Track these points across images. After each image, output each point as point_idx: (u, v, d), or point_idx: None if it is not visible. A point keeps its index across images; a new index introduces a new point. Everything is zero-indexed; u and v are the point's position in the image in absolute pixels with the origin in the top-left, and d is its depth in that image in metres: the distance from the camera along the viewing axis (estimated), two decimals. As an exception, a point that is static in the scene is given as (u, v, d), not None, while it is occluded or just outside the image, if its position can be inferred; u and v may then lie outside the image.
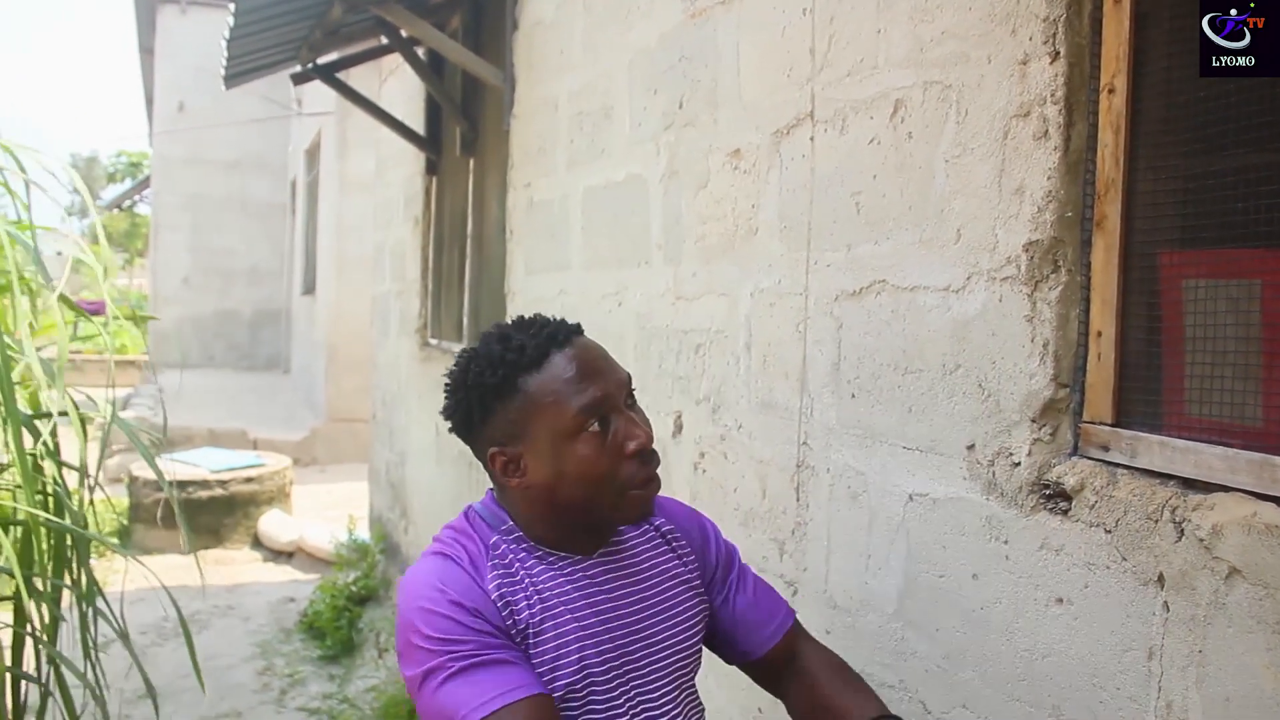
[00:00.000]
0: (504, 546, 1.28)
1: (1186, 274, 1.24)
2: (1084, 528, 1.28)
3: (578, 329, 1.30)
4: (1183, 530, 1.14)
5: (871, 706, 1.33)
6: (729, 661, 1.48)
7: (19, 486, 2.05)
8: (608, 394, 1.24)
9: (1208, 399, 1.20)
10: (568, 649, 1.24)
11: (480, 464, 1.33)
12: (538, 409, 1.23)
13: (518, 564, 1.27)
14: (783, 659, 1.44)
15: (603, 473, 1.23)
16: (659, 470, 1.29)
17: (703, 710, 1.42)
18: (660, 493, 1.33)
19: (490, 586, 1.23)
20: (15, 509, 2.18)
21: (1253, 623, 1.06)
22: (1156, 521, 1.17)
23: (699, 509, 2.06)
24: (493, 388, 1.25)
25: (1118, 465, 1.27)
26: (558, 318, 1.32)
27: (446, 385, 1.33)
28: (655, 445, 1.30)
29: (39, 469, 2.21)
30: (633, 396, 1.30)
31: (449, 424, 1.34)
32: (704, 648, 1.44)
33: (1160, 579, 1.17)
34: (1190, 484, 1.17)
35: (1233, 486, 1.11)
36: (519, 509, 1.31)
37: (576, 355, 1.25)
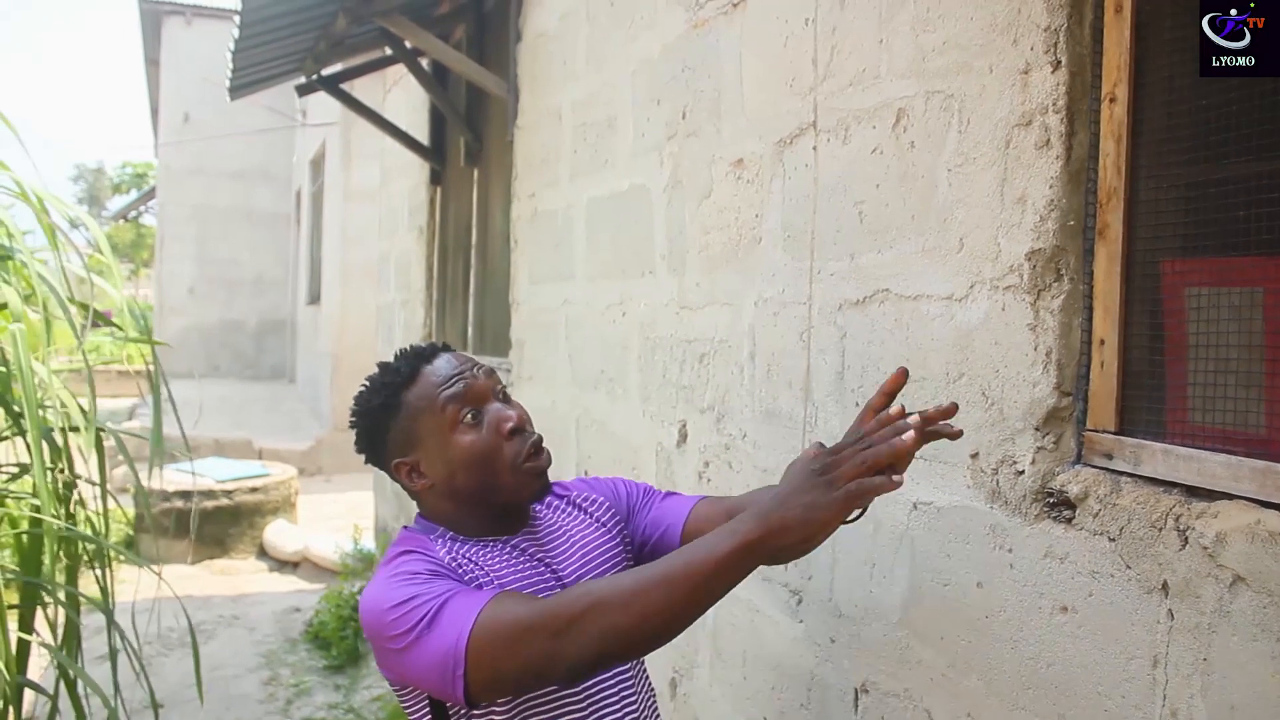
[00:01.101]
0: (444, 543, 1.43)
1: (1189, 282, 1.24)
2: (1088, 536, 1.28)
3: (445, 347, 1.50)
4: (1187, 538, 1.14)
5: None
6: None
7: (35, 495, 2.09)
8: (471, 386, 1.43)
9: (1211, 407, 1.20)
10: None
11: (394, 474, 1.49)
12: (419, 414, 1.42)
13: (459, 553, 1.41)
14: (700, 531, 1.53)
15: (487, 453, 1.41)
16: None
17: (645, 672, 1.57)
18: None
19: (443, 559, 1.37)
20: (38, 517, 2.22)
21: (1257, 630, 1.06)
22: (1160, 529, 1.18)
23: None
24: (380, 408, 1.45)
25: (1121, 473, 1.27)
26: (430, 342, 1.52)
27: (350, 423, 1.52)
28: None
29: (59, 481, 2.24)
30: (505, 392, 1.49)
31: (362, 456, 1.53)
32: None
33: (1164, 587, 1.17)
34: (1194, 492, 1.17)
35: (1236, 494, 1.11)
36: (438, 512, 1.48)
37: (442, 364, 1.45)
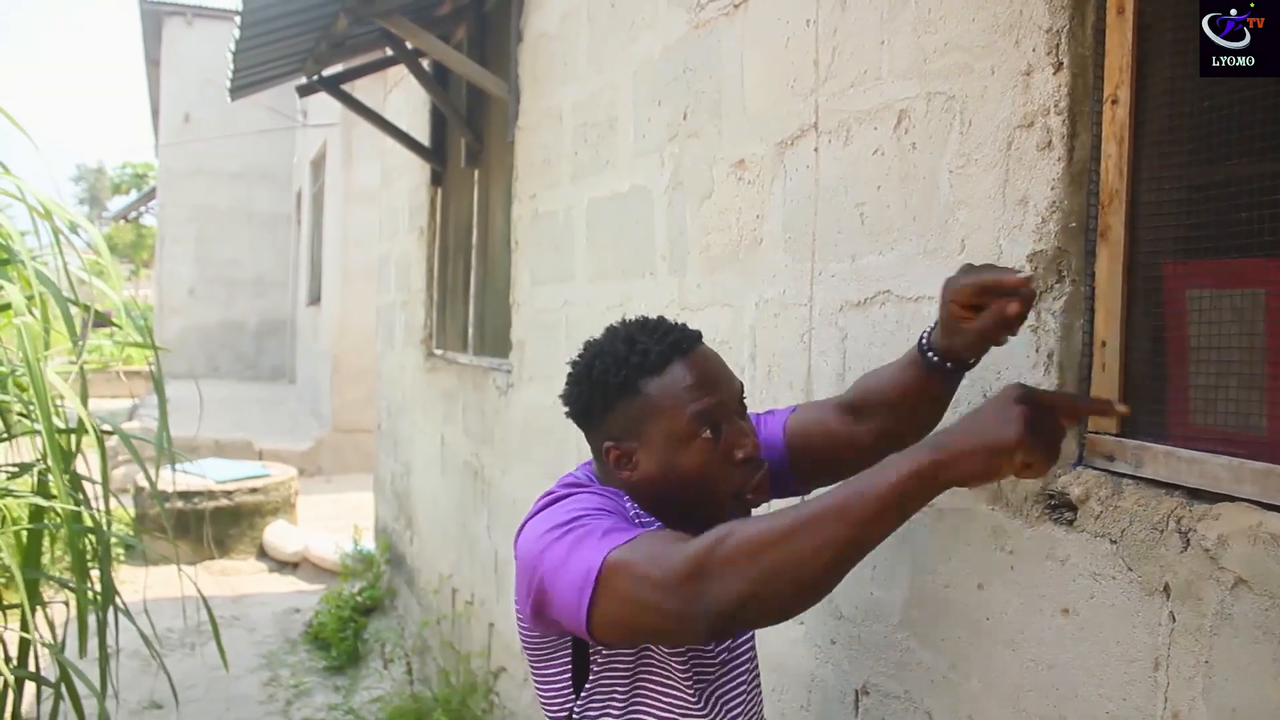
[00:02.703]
0: (630, 504, 1.36)
1: (1190, 284, 1.24)
2: (1089, 538, 1.28)
3: (698, 337, 1.38)
4: (1188, 540, 1.14)
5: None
6: (808, 478, 1.52)
7: (54, 495, 2.11)
8: (721, 403, 1.32)
9: (1212, 409, 1.20)
10: None
11: (599, 451, 1.40)
12: (655, 412, 1.31)
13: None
14: (808, 441, 1.48)
15: (711, 477, 1.31)
16: None
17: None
18: None
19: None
20: (46, 507, 2.24)
21: (1259, 633, 1.06)
22: (1162, 532, 1.17)
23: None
24: (615, 387, 1.33)
25: (1123, 475, 1.27)
26: (680, 323, 1.39)
27: (569, 374, 1.41)
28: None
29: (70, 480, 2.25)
30: (744, 406, 1.38)
31: (565, 409, 1.43)
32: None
33: (1166, 589, 1.17)
34: (1196, 494, 1.17)
35: (1238, 496, 1.11)
36: (628, 491, 1.37)
37: (696, 364, 1.33)
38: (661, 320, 1.40)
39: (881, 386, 1.44)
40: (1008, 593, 1.41)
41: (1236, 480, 1.12)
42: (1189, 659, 1.14)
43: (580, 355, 1.41)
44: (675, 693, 1.34)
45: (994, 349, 1.43)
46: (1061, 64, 1.33)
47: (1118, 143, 1.30)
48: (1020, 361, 1.39)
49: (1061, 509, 1.33)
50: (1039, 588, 1.36)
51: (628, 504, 1.35)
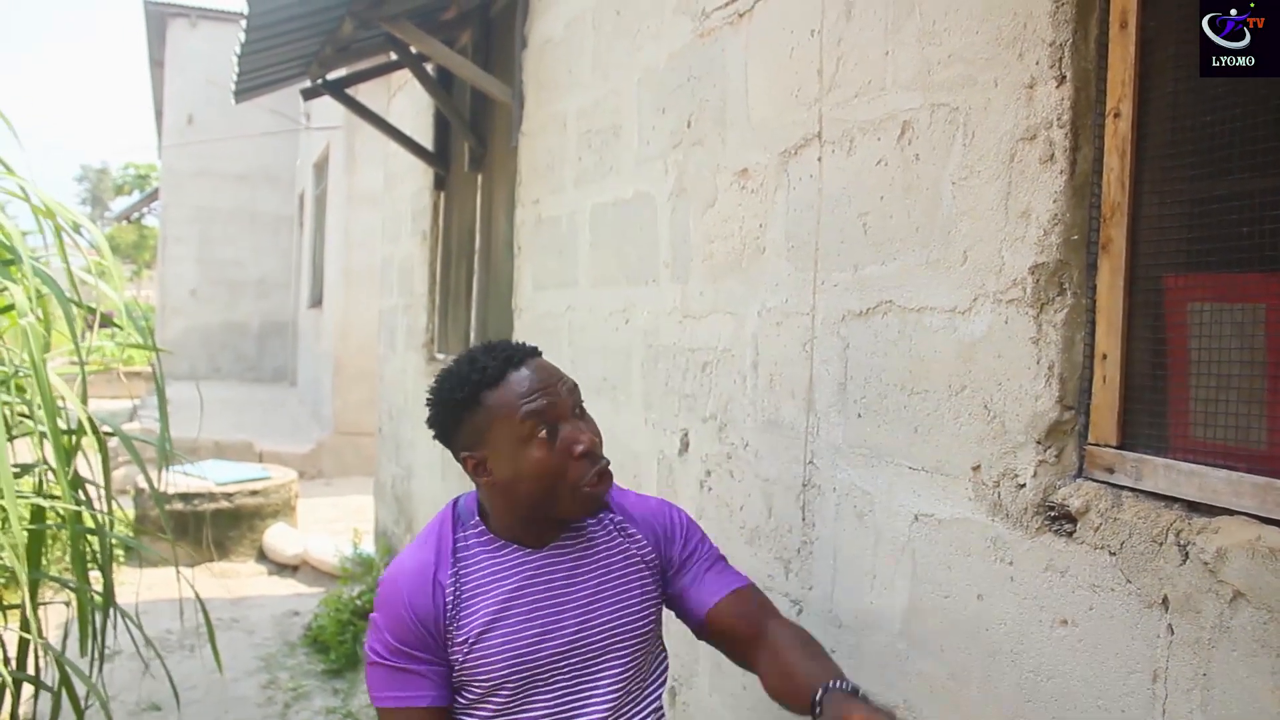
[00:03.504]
0: (469, 544, 1.52)
1: (1191, 297, 1.25)
2: (1089, 550, 1.28)
3: (534, 351, 1.53)
4: (1187, 553, 1.14)
5: (830, 673, 1.40)
6: (695, 632, 1.63)
7: (56, 496, 2.12)
8: (553, 404, 1.46)
9: (1212, 422, 1.20)
10: (513, 637, 1.47)
11: (461, 462, 1.53)
12: (496, 419, 1.46)
13: (470, 561, 1.51)
14: (743, 629, 1.55)
15: (553, 471, 1.45)
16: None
17: (659, 707, 1.61)
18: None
19: (447, 586, 1.48)
20: (50, 507, 2.25)
21: (1257, 646, 1.06)
22: (1161, 544, 1.18)
23: (704, 525, 2.07)
24: (460, 402, 1.48)
25: (1123, 488, 1.28)
26: (520, 342, 1.55)
27: (427, 400, 1.55)
28: (605, 454, 1.53)
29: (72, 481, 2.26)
30: (581, 407, 1.52)
31: (431, 432, 1.56)
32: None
33: (1165, 602, 1.17)
34: (1195, 507, 1.18)
35: (1237, 510, 1.12)
36: (489, 503, 1.54)
37: (528, 374, 1.48)
38: (504, 342, 1.55)
39: (785, 675, 1.46)
40: (1007, 603, 1.42)
41: (1236, 494, 1.12)
42: (1187, 671, 1.14)
43: (434, 380, 1.56)
44: None
45: (996, 361, 1.44)
46: (1064, 77, 1.34)
47: (1120, 156, 1.30)
48: (1022, 374, 1.40)
49: (1061, 521, 1.33)
50: (1038, 599, 1.36)
51: (463, 544, 1.53)
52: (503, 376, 1.47)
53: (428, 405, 1.55)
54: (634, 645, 1.56)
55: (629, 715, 1.55)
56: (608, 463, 1.50)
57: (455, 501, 1.60)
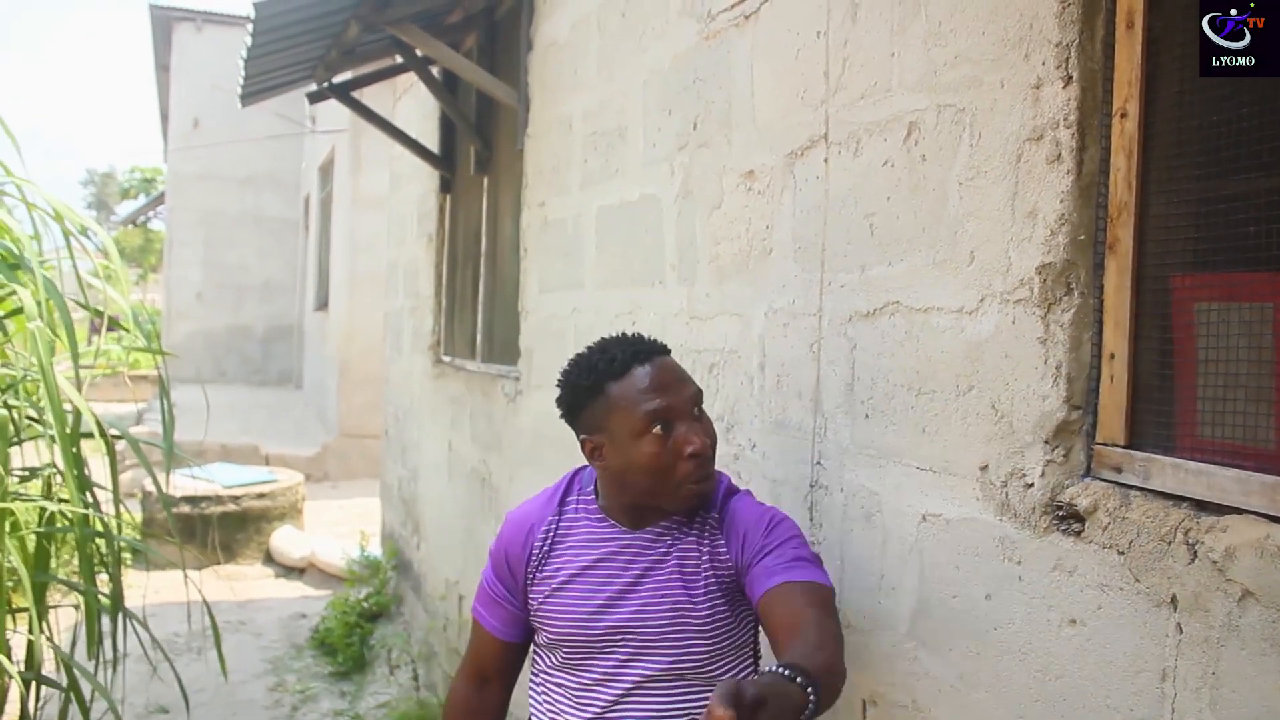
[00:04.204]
0: (576, 507, 1.69)
1: (1199, 297, 1.25)
2: (1097, 549, 1.28)
3: (663, 349, 1.63)
4: (1195, 552, 1.14)
5: (791, 659, 1.28)
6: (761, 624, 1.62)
7: (64, 499, 2.14)
8: (671, 404, 1.54)
9: (1220, 421, 1.20)
10: (580, 602, 1.61)
11: (581, 443, 1.65)
12: (616, 409, 1.55)
13: (567, 521, 1.68)
14: (781, 617, 1.49)
15: (662, 468, 1.53)
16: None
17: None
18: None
19: (541, 536, 1.66)
20: (59, 511, 2.26)
21: (1266, 645, 1.06)
22: (1169, 543, 1.18)
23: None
24: (585, 388, 1.59)
25: (1130, 487, 1.28)
26: (651, 338, 1.65)
27: (558, 380, 1.67)
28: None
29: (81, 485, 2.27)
30: (701, 409, 1.59)
31: (559, 410, 1.68)
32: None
33: (1173, 601, 1.17)
34: (1203, 506, 1.18)
35: (1245, 509, 1.12)
36: (600, 483, 1.68)
37: (652, 370, 1.56)
38: (639, 336, 1.64)
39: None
40: (1015, 603, 1.42)
41: (1244, 492, 1.12)
42: (1196, 670, 1.14)
43: (567, 363, 1.67)
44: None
45: (1003, 361, 1.44)
46: (1071, 77, 1.34)
47: (1127, 156, 1.31)
48: (1029, 373, 1.40)
49: (1069, 520, 1.33)
50: (1047, 598, 1.36)
51: (570, 506, 1.71)
52: (627, 370, 1.55)
53: (558, 385, 1.66)
54: (687, 647, 1.60)
55: (683, 704, 1.61)
56: (713, 466, 1.58)
57: (580, 469, 1.74)
